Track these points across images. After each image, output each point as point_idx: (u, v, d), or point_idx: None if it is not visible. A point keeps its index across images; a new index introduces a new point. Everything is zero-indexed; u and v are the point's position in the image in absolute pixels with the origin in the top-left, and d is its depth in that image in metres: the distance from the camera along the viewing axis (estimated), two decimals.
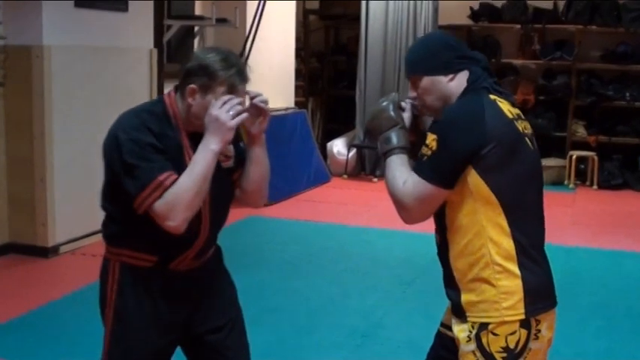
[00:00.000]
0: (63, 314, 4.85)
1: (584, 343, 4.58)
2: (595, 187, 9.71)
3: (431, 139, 2.22)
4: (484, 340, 2.23)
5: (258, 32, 8.25)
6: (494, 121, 2.21)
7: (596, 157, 9.73)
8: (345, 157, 10.06)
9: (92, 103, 6.30)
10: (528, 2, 10.39)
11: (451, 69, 2.35)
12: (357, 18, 10.27)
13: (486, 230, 2.22)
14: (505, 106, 2.29)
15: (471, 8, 10.65)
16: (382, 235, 7.11)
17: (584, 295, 5.46)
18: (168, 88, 7.94)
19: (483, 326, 2.23)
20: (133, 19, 6.69)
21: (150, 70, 6.99)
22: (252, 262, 5.90)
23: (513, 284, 2.23)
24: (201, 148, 2.32)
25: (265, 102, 2.47)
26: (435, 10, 9.92)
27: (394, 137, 2.38)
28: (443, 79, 2.35)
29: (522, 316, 2.22)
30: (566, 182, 9.83)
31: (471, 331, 2.25)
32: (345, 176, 9.98)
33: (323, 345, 4.46)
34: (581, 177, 9.92)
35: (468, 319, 2.26)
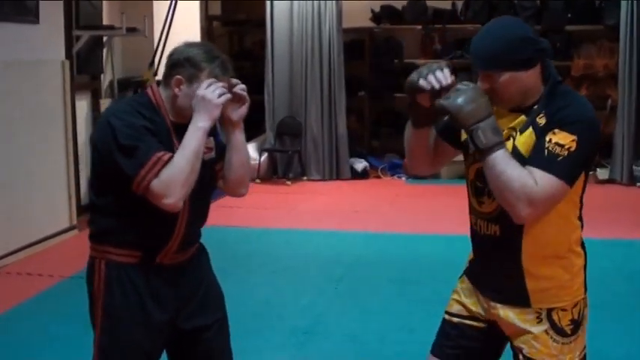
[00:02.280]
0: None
1: None
2: None
3: (569, 140, 2.22)
4: (555, 318, 2.39)
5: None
6: None
7: None
8: (257, 162, 10.10)
9: (8, 118, 6.16)
10: (428, 3, 10.69)
11: (532, 64, 2.32)
12: (261, 23, 10.35)
13: (569, 222, 2.39)
14: None
15: (372, 10, 10.87)
16: (305, 236, 7.21)
17: None
18: (79, 100, 7.88)
19: (554, 307, 2.39)
20: (44, 30, 6.58)
21: (63, 82, 6.89)
22: None
23: (580, 265, 2.43)
24: (190, 127, 2.45)
25: (244, 89, 2.60)
26: (339, 13, 10.08)
27: (497, 128, 2.25)
28: (523, 74, 2.31)
29: (585, 293, 2.45)
30: None
31: (539, 313, 2.39)
32: (258, 180, 10.02)
33: (267, 347, 4.52)
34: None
35: (535, 305, 2.39)
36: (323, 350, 4.49)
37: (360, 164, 10.26)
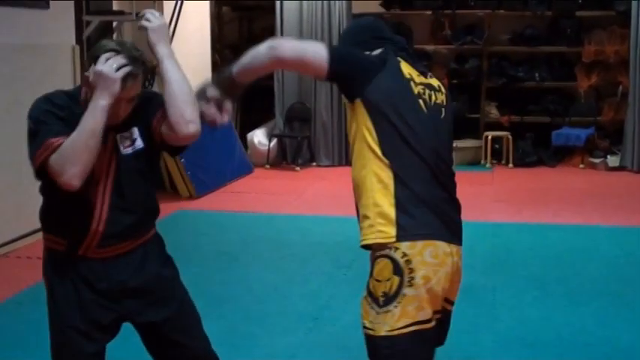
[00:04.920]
0: (8, 318, 4.78)
1: (523, 312, 4.79)
2: (510, 165, 10.07)
3: None
4: (370, 286, 2.54)
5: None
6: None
7: (510, 137, 10.08)
8: (266, 147, 10.10)
9: (17, 103, 6.16)
10: None
11: (367, 47, 2.58)
12: (271, 8, 10.33)
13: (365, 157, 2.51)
14: (407, 69, 2.52)
15: None
16: (314, 221, 7.23)
17: (517, 268, 5.70)
18: None
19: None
20: (54, 15, 6.59)
21: (73, 67, 6.90)
22: (187, 257, 5.80)
23: (383, 208, 2.52)
24: (90, 105, 2.36)
25: (148, 19, 2.53)
26: None
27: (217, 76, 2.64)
28: None
29: (399, 243, 2.54)
30: (482, 162, 10.15)
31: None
32: (268, 166, 10.03)
33: (275, 331, 4.54)
34: (497, 156, 10.26)
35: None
36: (331, 336, 4.49)
37: None
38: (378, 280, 2.47)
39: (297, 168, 9.96)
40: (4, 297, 5.10)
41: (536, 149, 10.19)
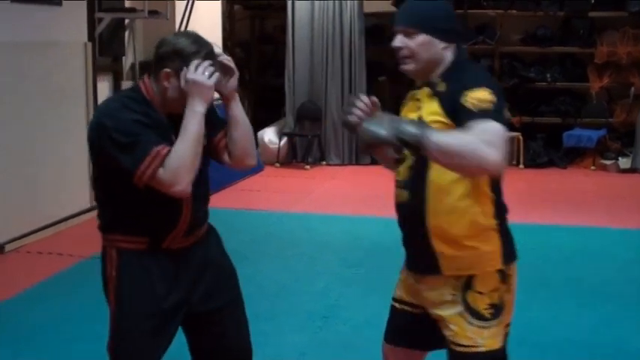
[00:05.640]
0: (19, 313, 4.80)
1: (531, 313, 4.78)
2: (521, 166, 10.03)
3: (486, 93, 2.30)
4: (470, 300, 2.47)
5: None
6: None
7: (521, 137, 10.05)
8: (276, 146, 10.11)
9: (29, 98, 6.21)
10: None
11: (449, 39, 2.45)
12: (282, 7, 10.34)
13: (477, 188, 2.44)
14: None
15: None
16: (323, 220, 7.23)
17: (526, 269, 5.65)
18: (100, 82, 7.94)
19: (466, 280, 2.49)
20: (67, 12, 6.62)
21: (85, 64, 6.93)
22: None
23: (493, 235, 2.49)
24: (187, 112, 2.45)
25: (230, 60, 2.60)
26: None
27: (407, 127, 2.25)
28: (439, 44, 2.44)
29: (503, 266, 2.52)
30: None
31: (454, 294, 2.49)
32: (278, 164, 10.04)
33: (285, 329, 4.55)
34: (507, 157, 10.21)
35: (446, 271, 2.49)
36: (340, 335, 4.50)
37: None
38: (480, 293, 2.43)
39: (307, 166, 9.96)
40: (16, 292, 5.12)
41: (547, 150, 10.16)
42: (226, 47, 10.78)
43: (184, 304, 2.61)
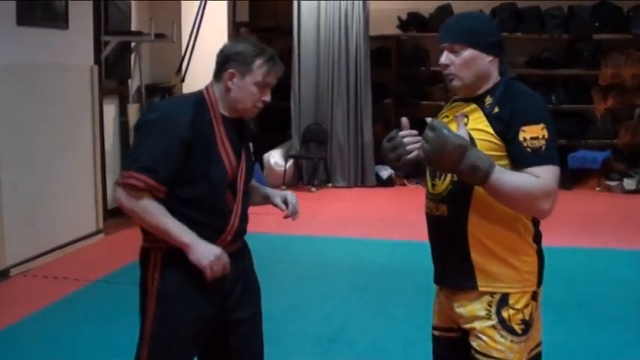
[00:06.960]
0: (25, 337, 4.79)
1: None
2: None
3: (539, 129, 2.33)
4: (505, 315, 2.49)
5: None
6: None
7: None
8: (282, 168, 10.12)
9: (37, 121, 6.23)
10: (455, 10, 10.65)
11: (495, 52, 2.44)
12: (288, 30, 10.38)
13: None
14: None
15: (399, 18, 10.87)
16: (329, 243, 7.22)
17: None
18: (106, 105, 7.96)
19: (501, 297, 2.51)
20: (73, 35, 6.66)
21: (91, 86, 6.96)
22: None
23: (532, 257, 2.52)
24: (185, 235, 2.54)
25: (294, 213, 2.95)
26: (366, 21, 10.11)
27: (478, 162, 2.26)
28: (485, 58, 2.42)
29: (537, 288, 2.60)
30: None
31: (489, 310, 2.49)
32: (284, 187, 10.02)
33: (291, 353, 4.52)
34: None
35: (481, 286, 2.50)
36: (347, 358, 4.48)
37: (386, 171, 10.24)
38: (515, 309, 2.45)
39: (313, 189, 9.97)
40: (21, 316, 5.11)
41: None
42: None
43: (220, 312, 2.66)
